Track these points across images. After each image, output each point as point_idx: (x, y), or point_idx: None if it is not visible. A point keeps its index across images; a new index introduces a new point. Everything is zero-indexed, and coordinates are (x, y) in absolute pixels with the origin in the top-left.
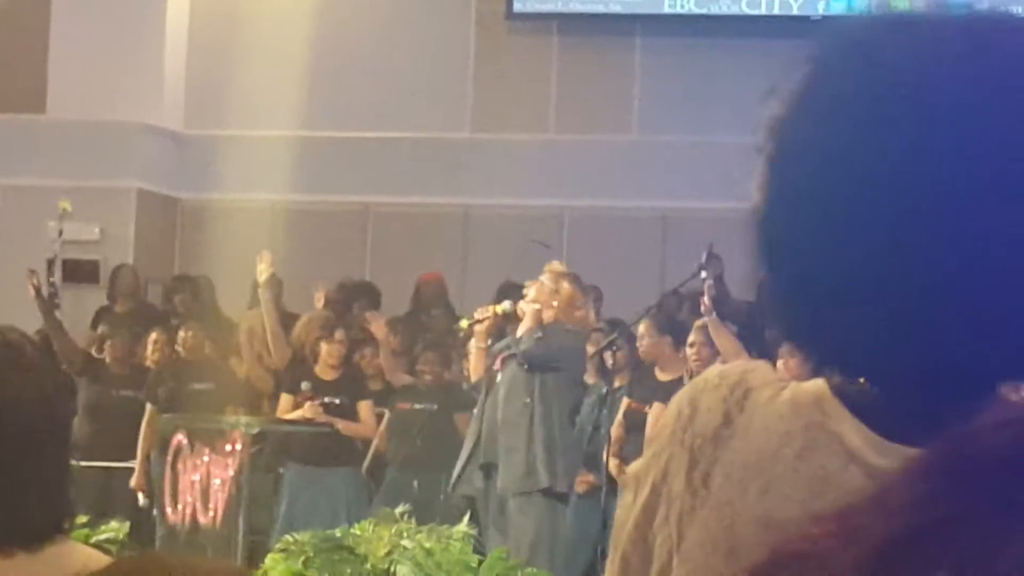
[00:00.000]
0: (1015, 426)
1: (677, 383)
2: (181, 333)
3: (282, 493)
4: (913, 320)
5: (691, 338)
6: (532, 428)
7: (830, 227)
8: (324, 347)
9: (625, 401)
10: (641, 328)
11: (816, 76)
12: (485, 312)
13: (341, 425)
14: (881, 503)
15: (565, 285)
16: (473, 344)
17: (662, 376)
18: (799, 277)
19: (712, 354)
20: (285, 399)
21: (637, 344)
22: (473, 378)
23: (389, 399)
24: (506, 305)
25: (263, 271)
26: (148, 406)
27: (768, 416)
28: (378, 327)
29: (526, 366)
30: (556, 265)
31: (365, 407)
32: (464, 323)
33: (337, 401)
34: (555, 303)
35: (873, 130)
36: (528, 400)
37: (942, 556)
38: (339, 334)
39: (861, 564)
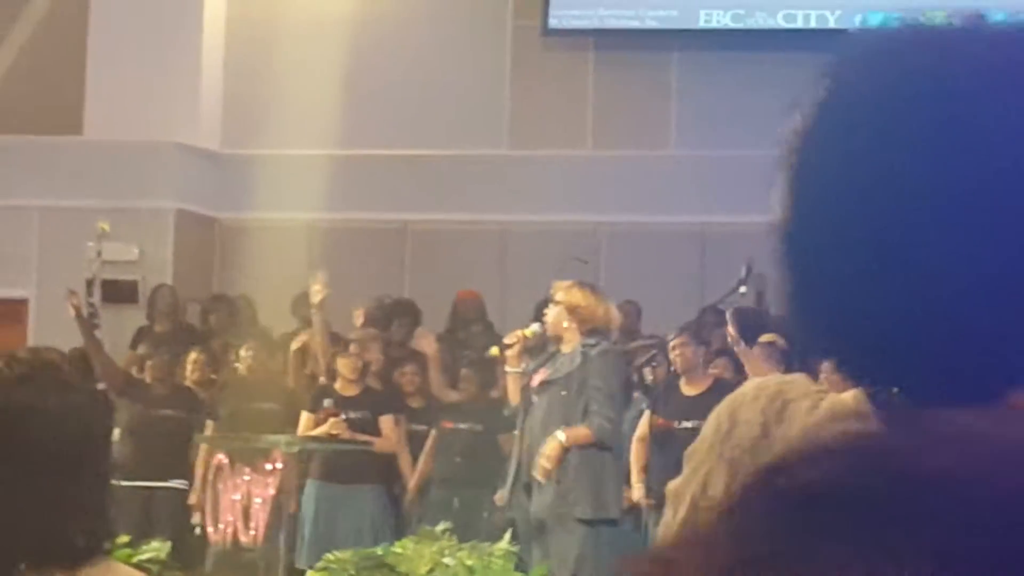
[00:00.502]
0: (830, 459)
1: (702, 398)
2: (242, 351)
3: (305, 511)
4: (943, 329)
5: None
6: (567, 456)
7: (853, 238)
8: (340, 361)
9: (647, 415)
10: (674, 340)
11: (837, 87)
12: (514, 337)
13: (377, 442)
14: (697, 540)
15: (576, 293)
16: (507, 369)
17: (688, 390)
18: (824, 289)
19: (771, 370)
20: (306, 417)
21: (670, 355)
22: (512, 402)
23: (432, 417)
24: (535, 327)
25: (317, 292)
26: (209, 423)
27: (806, 427)
28: (428, 344)
29: (564, 392)
30: (559, 285)
31: (387, 422)
32: (495, 350)
33: (358, 416)
34: (573, 323)
35: (895, 141)
36: (565, 427)
37: None
38: (353, 347)
39: None
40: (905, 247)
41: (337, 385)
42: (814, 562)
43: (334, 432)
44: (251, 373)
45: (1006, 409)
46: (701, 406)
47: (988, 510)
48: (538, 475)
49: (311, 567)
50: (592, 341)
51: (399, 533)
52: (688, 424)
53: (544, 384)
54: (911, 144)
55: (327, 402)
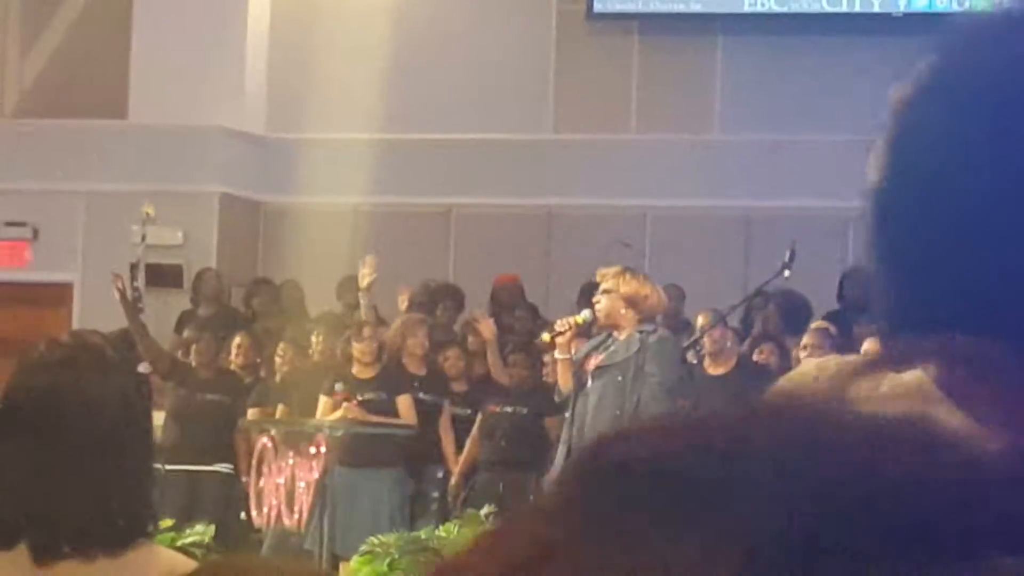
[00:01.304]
0: (644, 437)
1: (726, 379)
2: (313, 337)
3: (324, 495)
4: None
5: (805, 340)
6: None
7: (948, 210)
8: (355, 346)
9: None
10: (701, 319)
11: (947, 60)
12: (565, 324)
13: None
14: (537, 512)
15: (632, 282)
16: (558, 355)
17: (713, 370)
18: (912, 259)
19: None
20: (323, 401)
21: (699, 335)
22: (563, 389)
23: (476, 401)
24: (586, 314)
25: (365, 276)
26: (280, 407)
27: (868, 408)
28: (487, 327)
29: (620, 377)
30: (606, 272)
31: (404, 401)
32: (546, 336)
33: (375, 398)
34: (630, 312)
35: (1001, 119)
36: (618, 412)
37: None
38: (367, 331)
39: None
40: (1001, 223)
41: (353, 368)
42: (624, 543)
43: (350, 416)
44: (322, 357)
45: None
46: (727, 387)
47: (806, 491)
48: None
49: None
50: (650, 328)
51: (430, 517)
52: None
53: (599, 369)
54: (1012, 126)
55: (339, 386)
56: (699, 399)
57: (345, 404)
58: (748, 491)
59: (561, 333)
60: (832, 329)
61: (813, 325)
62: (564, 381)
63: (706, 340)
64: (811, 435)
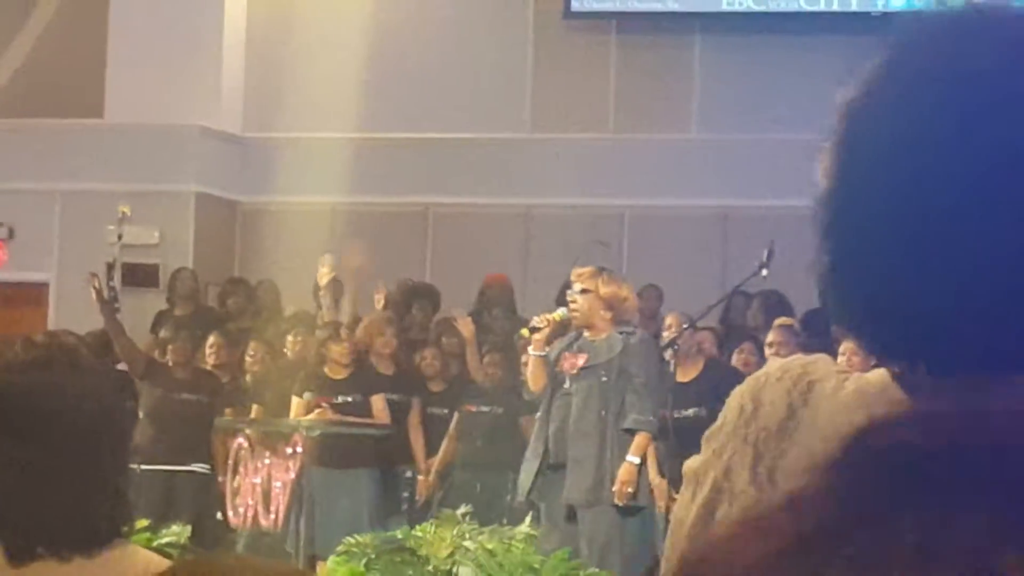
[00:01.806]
0: (924, 421)
1: (693, 384)
2: (289, 338)
3: (303, 495)
4: (978, 308)
5: (770, 338)
6: (604, 442)
7: (897, 212)
8: (332, 347)
9: None
10: (669, 319)
11: (894, 61)
12: (543, 321)
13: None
14: (794, 502)
15: (611, 283)
16: (532, 352)
17: (681, 376)
18: (862, 261)
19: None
20: (297, 402)
21: (664, 335)
22: (532, 387)
23: (453, 400)
24: (562, 311)
25: (324, 275)
26: (255, 407)
27: (833, 408)
28: (466, 326)
29: (604, 377)
30: (581, 272)
31: (378, 401)
32: (525, 332)
33: (350, 399)
34: (608, 314)
35: (948, 120)
36: (604, 413)
37: (838, 556)
38: (345, 332)
39: (764, 563)
40: (951, 224)
41: (326, 369)
42: (902, 518)
43: (324, 418)
44: (298, 357)
45: None
46: (694, 392)
47: None
48: (618, 501)
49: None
50: (630, 329)
51: (400, 517)
52: (688, 412)
53: (583, 370)
54: (964, 123)
55: (307, 395)
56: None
57: (318, 409)
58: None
59: (539, 329)
60: (797, 326)
61: (777, 322)
62: (535, 379)
63: (679, 342)
64: None
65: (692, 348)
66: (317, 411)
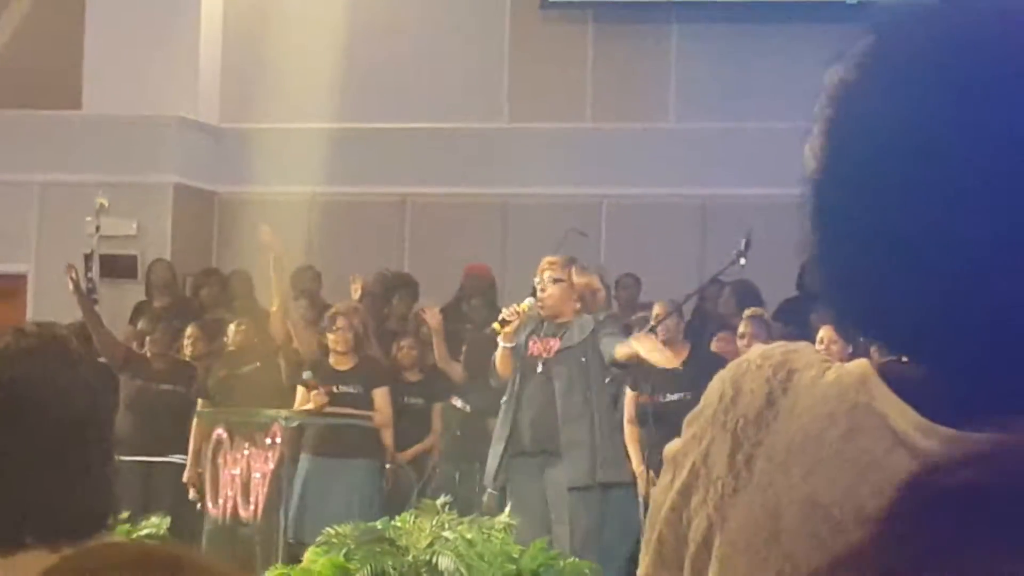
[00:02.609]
0: (983, 461)
1: (679, 372)
2: (232, 326)
3: (295, 485)
4: (965, 296)
5: (741, 329)
6: (593, 424)
7: (885, 196)
8: (329, 336)
9: (631, 394)
10: (657, 308)
11: (883, 45)
12: (512, 314)
13: (376, 416)
14: (861, 556)
15: (584, 275)
16: (502, 343)
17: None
18: (850, 245)
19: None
20: (301, 391)
21: (652, 323)
22: (500, 374)
23: (430, 391)
24: (529, 302)
25: (266, 233)
26: (200, 401)
27: (812, 397)
28: (433, 316)
29: (583, 358)
30: (551, 261)
31: (381, 395)
32: (496, 326)
33: (351, 390)
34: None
35: (937, 102)
36: (588, 394)
37: None
38: (340, 321)
39: None
40: (938, 208)
41: (331, 360)
42: (972, 554)
43: (315, 406)
44: (239, 347)
45: None
46: (680, 379)
47: None
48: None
49: (299, 541)
50: (600, 315)
51: (394, 507)
52: (674, 397)
53: (560, 353)
54: (953, 106)
55: (306, 374)
56: (653, 391)
57: (314, 393)
58: None
59: (510, 322)
60: (767, 316)
61: (747, 313)
62: (504, 367)
63: (659, 330)
64: None
65: (678, 335)
66: (314, 393)
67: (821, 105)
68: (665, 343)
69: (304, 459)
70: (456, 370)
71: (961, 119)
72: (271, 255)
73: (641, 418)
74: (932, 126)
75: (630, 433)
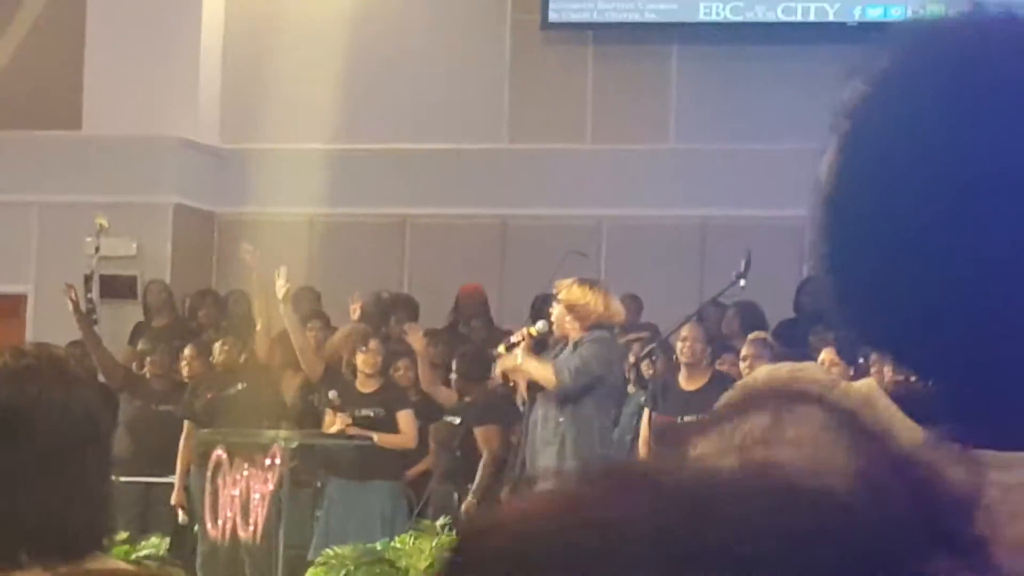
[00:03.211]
0: (536, 518)
1: (702, 393)
2: (216, 345)
3: (320, 507)
4: (978, 313)
5: (744, 351)
6: (563, 451)
7: (899, 213)
8: (360, 357)
9: (646, 416)
10: (685, 331)
11: (900, 62)
12: (519, 335)
13: (377, 437)
14: None
15: (575, 291)
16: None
17: (687, 385)
18: (863, 259)
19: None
20: (329, 414)
21: (680, 346)
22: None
23: (427, 412)
24: (540, 325)
25: (281, 287)
26: (186, 422)
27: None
28: (416, 339)
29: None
30: (561, 283)
31: (405, 417)
32: (501, 348)
33: (372, 413)
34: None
35: (953, 119)
36: (561, 420)
37: None
38: (373, 344)
39: None
40: (949, 228)
41: (357, 382)
42: None
43: (339, 428)
44: (225, 367)
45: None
46: (702, 401)
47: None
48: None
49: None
50: (594, 335)
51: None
52: (691, 419)
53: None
54: (965, 123)
55: (332, 394)
56: (676, 414)
57: (340, 416)
58: (622, 565)
59: (515, 344)
60: (770, 339)
61: (750, 336)
62: (524, 390)
63: (685, 349)
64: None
65: (703, 359)
66: (339, 418)
67: (837, 120)
68: (688, 366)
69: (330, 482)
70: (442, 393)
71: (977, 137)
72: (253, 274)
73: (659, 438)
74: (948, 143)
75: (644, 454)
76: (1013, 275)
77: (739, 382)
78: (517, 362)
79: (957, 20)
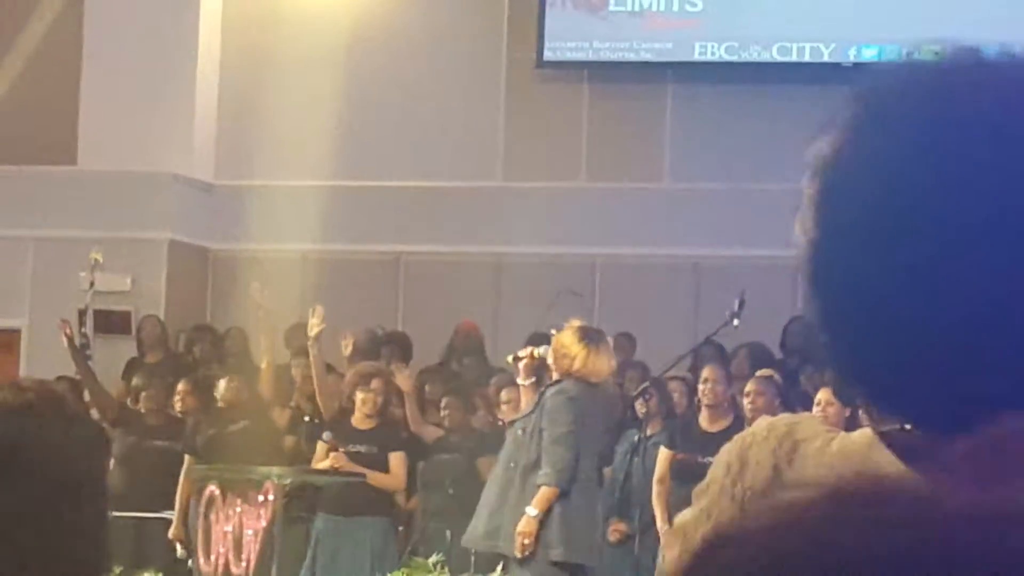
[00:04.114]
0: (775, 531)
1: (724, 434)
2: (222, 382)
3: (311, 543)
4: (964, 359)
5: (748, 387)
6: (505, 492)
7: (881, 263)
8: (359, 396)
9: (666, 452)
10: (706, 372)
11: (870, 112)
12: (526, 351)
13: (370, 476)
14: None
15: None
16: (520, 381)
17: (709, 427)
18: (848, 313)
19: (767, 404)
20: (320, 449)
21: (702, 388)
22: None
23: (418, 450)
24: (542, 350)
25: (314, 325)
26: (187, 457)
27: (818, 468)
28: (403, 379)
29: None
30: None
31: (396, 458)
32: (509, 359)
33: (363, 450)
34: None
35: (926, 169)
36: (512, 464)
37: None
38: (375, 383)
39: None
40: (935, 272)
41: (354, 419)
42: None
43: (333, 465)
44: (229, 403)
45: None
46: (721, 443)
47: None
48: (516, 552)
49: None
50: (555, 385)
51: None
52: (711, 459)
53: (510, 423)
54: (940, 173)
55: (326, 435)
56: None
57: (333, 454)
58: None
59: (521, 358)
60: (777, 377)
61: (758, 373)
62: (526, 405)
63: (708, 391)
64: (931, 541)
65: (724, 402)
66: (332, 455)
67: (807, 178)
68: (710, 408)
69: (318, 518)
70: (429, 432)
71: (948, 184)
72: (260, 312)
73: (675, 476)
74: (919, 191)
75: (658, 493)
76: (995, 320)
77: (738, 435)
78: (532, 516)
79: (927, 63)
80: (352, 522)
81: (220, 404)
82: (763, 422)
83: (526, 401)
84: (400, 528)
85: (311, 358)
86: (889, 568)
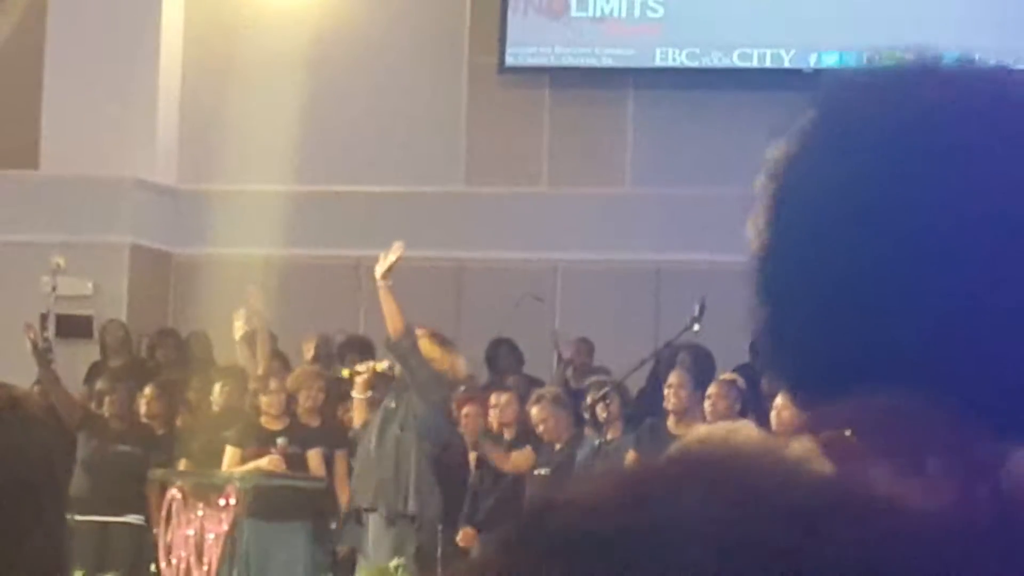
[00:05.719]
0: (597, 505)
1: None
2: (216, 386)
3: (238, 548)
4: (916, 366)
5: (709, 391)
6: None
7: (832, 270)
8: (263, 399)
9: (633, 456)
10: (672, 378)
11: (824, 118)
12: (365, 366)
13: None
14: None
15: (424, 344)
16: (355, 395)
17: (679, 431)
18: (797, 319)
19: (729, 408)
20: (230, 453)
21: (667, 392)
22: (357, 424)
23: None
24: (384, 365)
25: (239, 328)
26: (183, 461)
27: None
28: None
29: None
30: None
31: (315, 456)
32: (345, 372)
33: (287, 450)
34: None
35: (880, 175)
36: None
37: None
38: (274, 384)
39: None
40: (883, 283)
41: (262, 420)
42: None
43: (272, 468)
44: (224, 408)
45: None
46: None
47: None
48: None
49: None
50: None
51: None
52: None
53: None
54: (896, 179)
55: (281, 441)
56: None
57: (269, 456)
58: (682, 553)
59: (360, 373)
60: (740, 381)
61: (721, 376)
62: (359, 418)
63: (671, 397)
64: (752, 492)
65: (688, 406)
66: (268, 458)
67: (761, 181)
68: (675, 413)
69: (246, 522)
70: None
71: (905, 187)
72: (256, 318)
73: None
74: (875, 196)
75: None
76: (950, 328)
77: (673, 446)
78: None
79: (882, 69)
80: (280, 527)
81: (215, 408)
82: (702, 429)
83: (360, 413)
84: (333, 526)
85: (241, 360)
86: (700, 534)
